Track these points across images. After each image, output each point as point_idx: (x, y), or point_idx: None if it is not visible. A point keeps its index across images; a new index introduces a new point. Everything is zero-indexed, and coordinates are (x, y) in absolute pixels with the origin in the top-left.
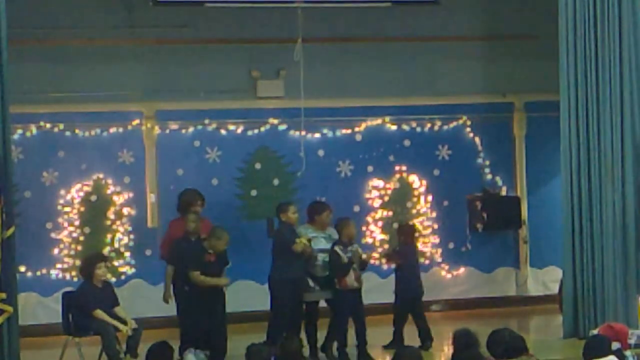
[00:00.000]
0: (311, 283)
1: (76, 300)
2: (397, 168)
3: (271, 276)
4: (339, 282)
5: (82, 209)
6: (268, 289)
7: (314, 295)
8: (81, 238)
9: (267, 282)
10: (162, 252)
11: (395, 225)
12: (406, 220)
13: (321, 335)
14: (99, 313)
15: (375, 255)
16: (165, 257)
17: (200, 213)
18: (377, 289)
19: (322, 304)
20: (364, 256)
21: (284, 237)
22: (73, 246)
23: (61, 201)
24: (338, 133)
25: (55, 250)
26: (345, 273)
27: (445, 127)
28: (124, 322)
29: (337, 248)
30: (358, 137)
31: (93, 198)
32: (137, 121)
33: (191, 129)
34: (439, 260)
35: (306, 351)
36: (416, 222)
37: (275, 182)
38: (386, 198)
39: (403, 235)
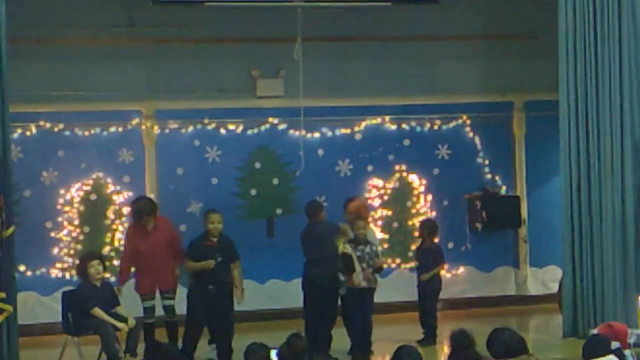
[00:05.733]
0: (341, 277)
1: (75, 299)
2: (396, 167)
3: (313, 274)
4: (347, 280)
5: (82, 208)
6: (306, 288)
7: (342, 290)
8: (81, 237)
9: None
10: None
11: (396, 224)
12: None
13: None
14: (97, 311)
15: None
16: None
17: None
18: (377, 289)
19: None
20: (377, 260)
21: (328, 228)
22: (73, 245)
23: (61, 200)
24: (337, 132)
25: (55, 250)
26: (351, 270)
27: (445, 127)
28: (124, 321)
29: (348, 245)
30: (358, 137)
31: (93, 197)
32: (136, 120)
33: (191, 128)
34: None
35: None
36: (415, 221)
37: (275, 181)
38: (386, 197)
39: (424, 231)
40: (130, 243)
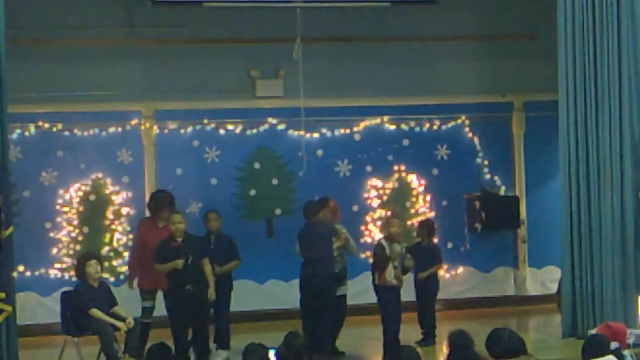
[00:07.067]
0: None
1: (73, 299)
2: (395, 168)
3: (310, 274)
4: (379, 277)
5: (81, 208)
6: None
7: (344, 289)
8: (80, 238)
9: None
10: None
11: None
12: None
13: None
14: (95, 312)
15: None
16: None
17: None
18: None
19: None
20: (407, 261)
21: (326, 229)
22: (72, 246)
23: (60, 201)
24: (337, 133)
25: (54, 250)
26: (385, 265)
27: (444, 127)
28: (123, 321)
29: (382, 241)
30: (357, 137)
31: (92, 198)
32: (135, 121)
33: (190, 129)
34: None
35: None
36: (414, 221)
37: (274, 181)
38: (385, 198)
39: (423, 232)
40: (139, 236)
